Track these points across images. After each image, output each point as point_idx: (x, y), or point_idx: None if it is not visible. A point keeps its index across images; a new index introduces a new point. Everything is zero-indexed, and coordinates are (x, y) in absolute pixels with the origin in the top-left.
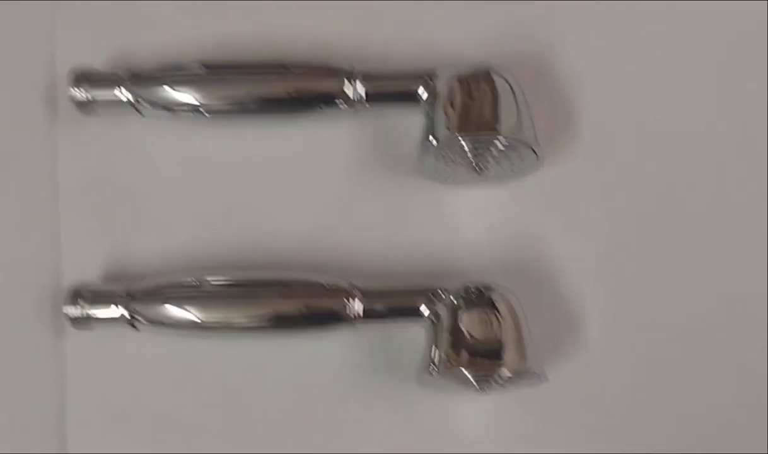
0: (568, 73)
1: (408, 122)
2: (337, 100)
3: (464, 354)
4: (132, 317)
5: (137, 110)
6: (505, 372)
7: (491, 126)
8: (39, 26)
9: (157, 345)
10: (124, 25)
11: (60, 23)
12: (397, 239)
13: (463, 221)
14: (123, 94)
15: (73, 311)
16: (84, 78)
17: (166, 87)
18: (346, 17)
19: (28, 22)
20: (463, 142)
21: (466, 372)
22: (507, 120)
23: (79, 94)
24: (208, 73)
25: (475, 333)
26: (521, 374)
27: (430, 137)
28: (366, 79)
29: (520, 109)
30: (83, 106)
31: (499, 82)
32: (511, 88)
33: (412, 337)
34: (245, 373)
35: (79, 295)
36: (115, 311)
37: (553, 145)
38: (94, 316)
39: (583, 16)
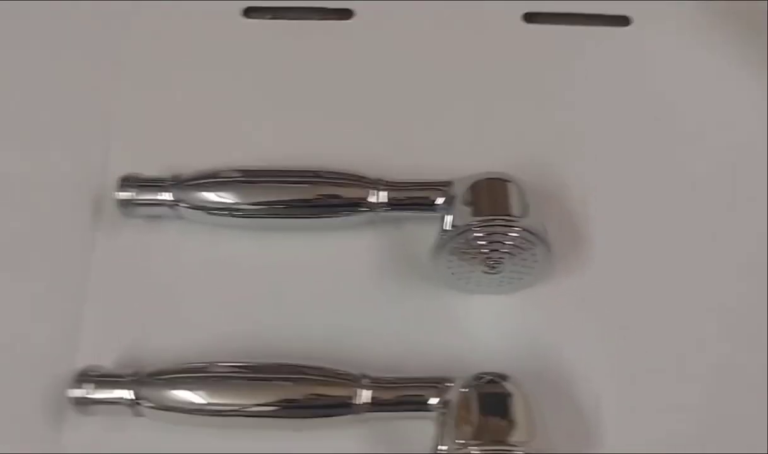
0: (579, 184)
1: (424, 234)
2: (361, 207)
3: (474, 432)
4: (136, 399)
5: (176, 211)
6: (519, 451)
7: (504, 213)
8: (95, 136)
9: (158, 435)
10: (170, 142)
11: (114, 135)
12: (411, 343)
13: (477, 327)
14: (165, 195)
15: (77, 392)
16: (130, 181)
17: (204, 189)
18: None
19: (86, 131)
20: (476, 231)
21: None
22: (518, 211)
23: (126, 194)
24: (244, 177)
25: (488, 413)
26: None
27: (446, 228)
28: (390, 187)
29: (531, 205)
30: (127, 207)
31: (511, 185)
32: (522, 189)
33: (419, 435)
34: None
35: (85, 377)
36: (118, 393)
37: (565, 256)
38: (97, 398)
39: (588, 129)
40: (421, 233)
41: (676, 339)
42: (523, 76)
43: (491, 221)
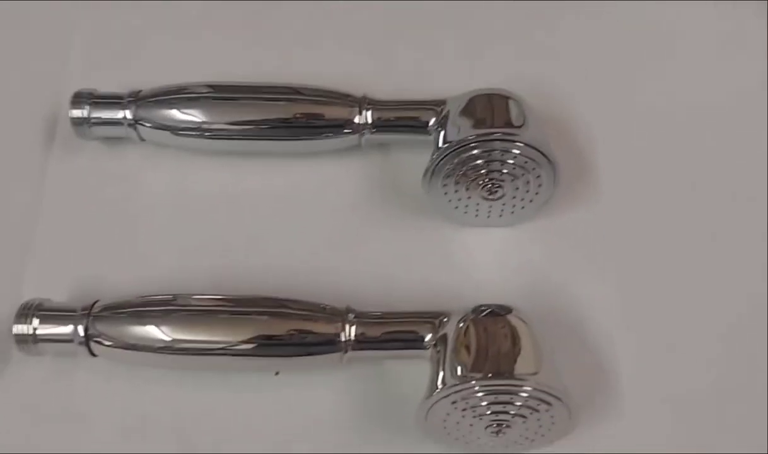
0: (584, 110)
1: (415, 161)
2: (345, 128)
3: (475, 367)
4: (88, 336)
5: (137, 132)
6: (526, 388)
7: (505, 126)
8: (50, 56)
9: (115, 383)
10: (132, 60)
11: (72, 50)
12: (400, 278)
13: (473, 262)
14: (124, 113)
15: (22, 328)
16: (85, 97)
17: (169, 106)
18: (357, 61)
19: (40, 51)
20: (474, 147)
21: (477, 389)
22: (520, 126)
23: (79, 112)
24: (214, 93)
25: (489, 346)
26: (546, 399)
27: (439, 147)
28: (376, 106)
29: (533, 119)
30: (82, 126)
31: (512, 103)
32: (523, 105)
33: (411, 377)
34: (220, 413)
35: (30, 310)
36: (68, 328)
37: (569, 189)
38: (43, 333)
39: (597, 64)
40: (412, 158)
41: (688, 273)
42: None
43: (490, 135)
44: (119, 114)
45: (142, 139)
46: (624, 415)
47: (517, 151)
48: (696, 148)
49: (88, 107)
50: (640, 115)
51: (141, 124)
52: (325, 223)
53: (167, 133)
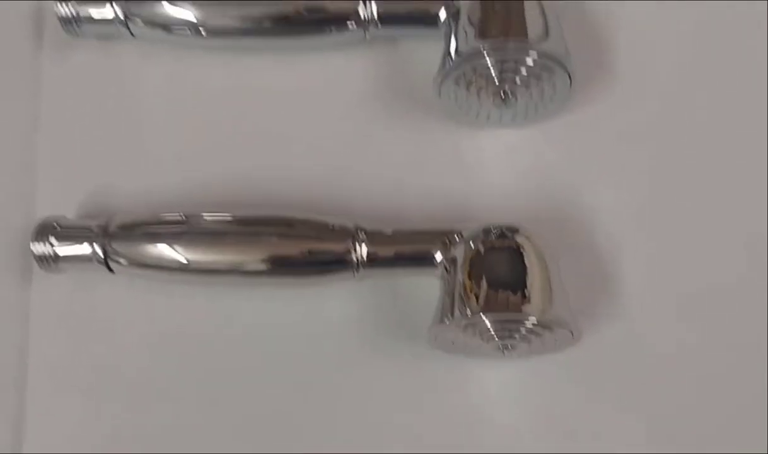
0: (601, 7)
1: (425, 55)
2: (350, 22)
3: (483, 300)
4: (106, 255)
5: (128, 29)
6: (531, 319)
7: (519, 35)
8: None
9: (134, 295)
10: None
11: None
12: (411, 183)
13: (486, 165)
14: (113, 9)
15: (41, 248)
16: None
17: (161, 1)
18: None
19: None
20: (487, 57)
21: (485, 319)
22: (536, 33)
23: (66, 9)
24: None
25: (498, 276)
26: (548, 324)
27: (450, 53)
28: None
29: (551, 24)
30: (70, 24)
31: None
32: (541, 3)
33: (423, 291)
34: (235, 329)
35: (48, 230)
36: (87, 249)
37: (585, 81)
38: (64, 254)
39: None
40: (421, 52)
41: (702, 181)
42: None
43: (503, 45)
44: (108, 10)
45: (133, 36)
46: (630, 319)
47: (531, 62)
48: (718, 46)
49: (73, 2)
50: (662, 6)
51: (132, 21)
52: (332, 122)
53: (160, 30)
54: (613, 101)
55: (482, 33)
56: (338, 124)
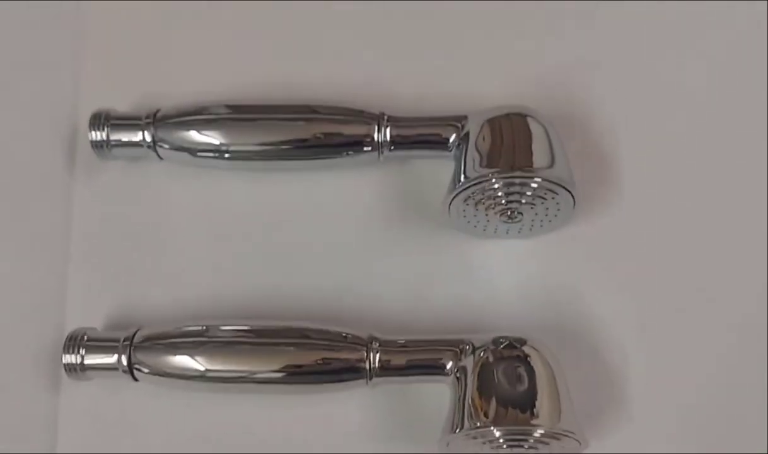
0: (605, 124)
1: (435, 172)
2: (364, 146)
3: (493, 411)
4: (131, 364)
5: (156, 153)
6: (539, 431)
7: (525, 164)
8: (62, 70)
9: (156, 402)
10: (149, 72)
11: (84, 68)
12: (422, 294)
13: (494, 275)
14: (142, 135)
15: (70, 358)
16: (103, 119)
17: (187, 128)
18: (376, 66)
19: (52, 66)
20: (494, 181)
21: (494, 431)
22: (541, 159)
23: (98, 135)
24: (233, 114)
25: (506, 388)
26: (557, 436)
27: (460, 176)
28: (395, 124)
29: (555, 150)
30: (101, 148)
31: (533, 123)
32: (546, 130)
33: (433, 398)
34: (251, 436)
35: (77, 341)
36: (112, 358)
37: (590, 195)
38: (90, 363)
39: (618, 66)
40: (432, 171)
41: (709, 288)
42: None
43: (510, 174)
44: (138, 136)
45: (161, 159)
46: (635, 427)
47: (535, 185)
48: (719, 158)
49: (106, 129)
50: (664, 122)
51: (160, 146)
52: (346, 237)
53: (186, 154)
54: (617, 214)
55: (490, 160)
56: (352, 238)
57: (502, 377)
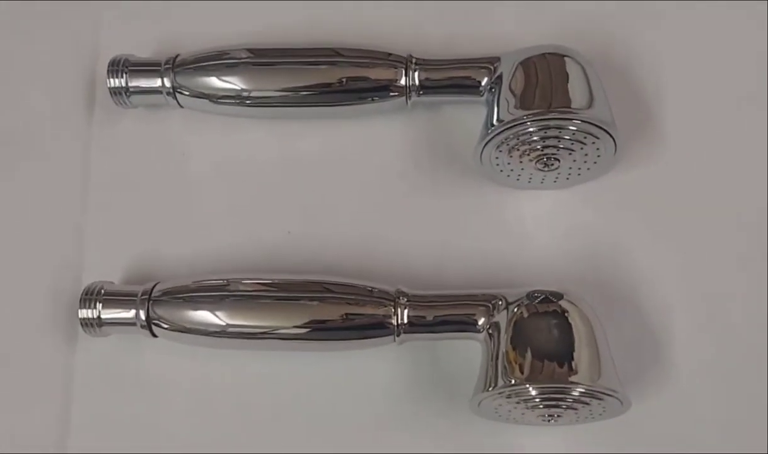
0: (647, 66)
1: (466, 119)
2: (391, 91)
3: (528, 368)
4: (149, 319)
5: (176, 100)
6: (578, 389)
7: (562, 105)
8: (82, 16)
9: (175, 358)
10: (168, 16)
11: (104, 15)
12: (452, 247)
13: (529, 228)
14: (161, 81)
15: (86, 312)
16: (122, 65)
17: (207, 74)
18: (405, 8)
19: (71, 15)
20: (529, 124)
21: (530, 389)
22: (580, 100)
23: (116, 82)
24: (254, 59)
25: (543, 343)
26: (596, 394)
27: (493, 120)
28: (423, 67)
29: (595, 91)
30: (120, 95)
31: (570, 63)
32: (584, 70)
33: (464, 356)
34: (274, 392)
35: (94, 295)
36: (130, 313)
37: (630, 142)
38: (107, 318)
39: (662, 9)
40: (462, 115)
41: (757, 240)
42: None
43: (546, 115)
44: (157, 82)
45: (181, 106)
46: (677, 386)
47: (574, 128)
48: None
49: (125, 76)
50: (709, 68)
51: (180, 92)
52: (373, 187)
53: (206, 101)
54: (659, 161)
55: (524, 103)
56: (379, 189)
57: (538, 332)
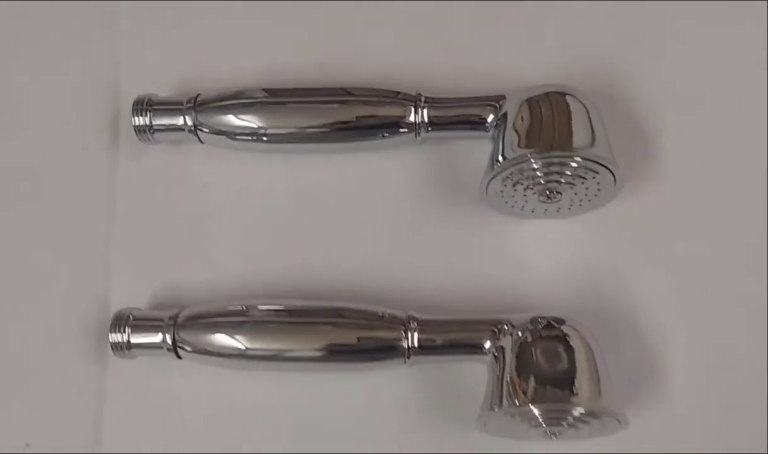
0: (648, 102)
1: (473, 152)
2: (401, 127)
3: (532, 390)
4: (175, 343)
5: (197, 137)
6: (578, 409)
7: (564, 144)
8: (104, 55)
9: (199, 378)
10: (188, 56)
11: (125, 53)
12: (460, 274)
13: (532, 255)
14: (183, 120)
15: (117, 337)
16: (146, 104)
17: (226, 112)
18: (413, 46)
19: (94, 53)
20: (533, 161)
21: (534, 409)
22: (582, 139)
23: (141, 120)
24: (269, 98)
25: (545, 367)
26: (596, 414)
27: (498, 157)
28: (432, 105)
29: (596, 128)
30: (144, 133)
31: (573, 102)
32: (586, 108)
33: (471, 377)
34: (290, 411)
35: (123, 321)
36: (157, 337)
37: (630, 173)
38: (136, 342)
39: (662, 43)
40: (469, 151)
41: (752, 269)
42: None
43: (548, 153)
44: (179, 120)
45: (202, 142)
46: (675, 407)
47: (575, 165)
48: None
49: (149, 114)
50: (708, 101)
51: (200, 130)
52: (384, 218)
53: (225, 137)
54: (658, 193)
55: (528, 140)
56: (390, 219)
57: (541, 356)
